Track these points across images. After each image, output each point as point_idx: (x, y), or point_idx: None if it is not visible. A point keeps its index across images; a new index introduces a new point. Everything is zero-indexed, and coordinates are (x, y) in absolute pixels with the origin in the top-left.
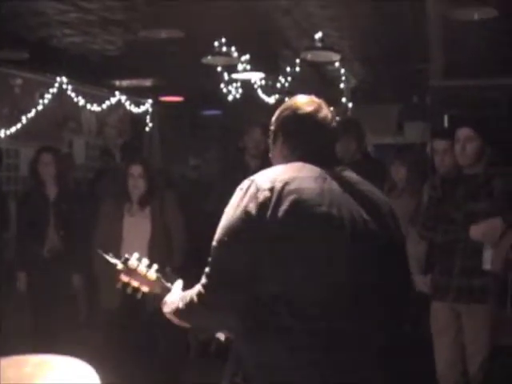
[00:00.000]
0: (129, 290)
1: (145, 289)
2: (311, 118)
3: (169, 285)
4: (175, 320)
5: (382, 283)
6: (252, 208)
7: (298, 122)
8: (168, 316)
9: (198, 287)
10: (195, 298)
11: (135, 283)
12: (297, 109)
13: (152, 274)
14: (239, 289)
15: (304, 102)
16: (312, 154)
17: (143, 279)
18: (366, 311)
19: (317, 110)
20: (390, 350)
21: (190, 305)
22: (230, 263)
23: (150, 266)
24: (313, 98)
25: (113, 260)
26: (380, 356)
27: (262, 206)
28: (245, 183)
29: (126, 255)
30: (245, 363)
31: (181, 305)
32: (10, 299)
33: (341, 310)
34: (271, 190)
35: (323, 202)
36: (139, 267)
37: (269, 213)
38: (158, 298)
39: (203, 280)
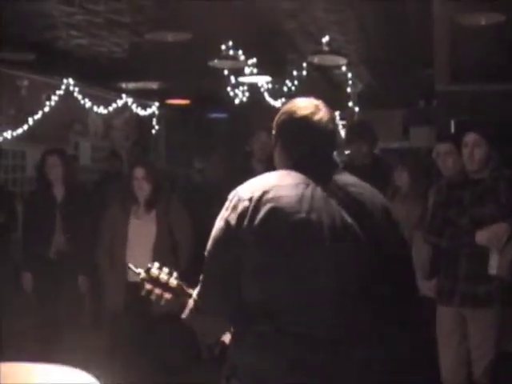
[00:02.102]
0: (152, 297)
1: (167, 296)
2: (306, 121)
3: (190, 290)
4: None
5: (368, 288)
6: (232, 218)
7: (293, 126)
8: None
9: (194, 294)
10: (192, 304)
11: (158, 291)
12: (292, 113)
13: (173, 281)
14: (228, 296)
15: (301, 105)
16: (307, 157)
17: (165, 287)
18: (348, 317)
19: (313, 113)
20: (376, 358)
21: (190, 310)
22: (217, 272)
23: (170, 274)
24: (311, 100)
25: (136, 270)
26: (364, 364)
27: (241, 215)
28: (231, 194)
29: (149, 265)
30: (236, 367)
31: (187, 310)
32: (16, 299)
33: (321, 316)
34: (250, 199)
35: (301, 209)
36: (160, 275)
37: (246, 222)
38: (180, 304)
39: (198, 288)
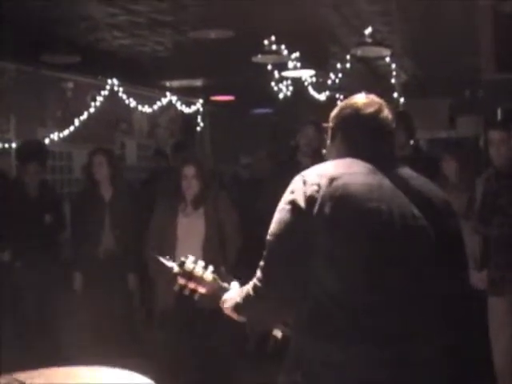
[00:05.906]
0: (186, 292)
1: (202, 290)
2: (373, 119)
3: (225, 285)
4: (234, 316)
5: (433, 281)
6: (301, 201)
7: (359, 122)
8: (228, 312)
9: (253, 280)
10: (251, 291)
11: (192, 285)
12: (358, 109)
13: (208, 275)
14: (293, 280)
15: (366, 102)
16: (370, 153)
17: (200, 281)
18: (417, 309)
19: (378, 112)
20: (443, 349)
21: (246, 298)
22: (282, 255)
23: (205, 268)
24: (373, 97)
25: (169, 263)
26: (432, 355)
27: (310, 200)
28: (296, 179)
29: (182, 258)
30: (303, 359)
31: (238, 299)
32: (67, 299)
33: (392, 306)
34: (318, 185)
35: (372, 198)
36: (195, 269)
37: (316, 208)
38: (215, 298)
39: (258, 273)
